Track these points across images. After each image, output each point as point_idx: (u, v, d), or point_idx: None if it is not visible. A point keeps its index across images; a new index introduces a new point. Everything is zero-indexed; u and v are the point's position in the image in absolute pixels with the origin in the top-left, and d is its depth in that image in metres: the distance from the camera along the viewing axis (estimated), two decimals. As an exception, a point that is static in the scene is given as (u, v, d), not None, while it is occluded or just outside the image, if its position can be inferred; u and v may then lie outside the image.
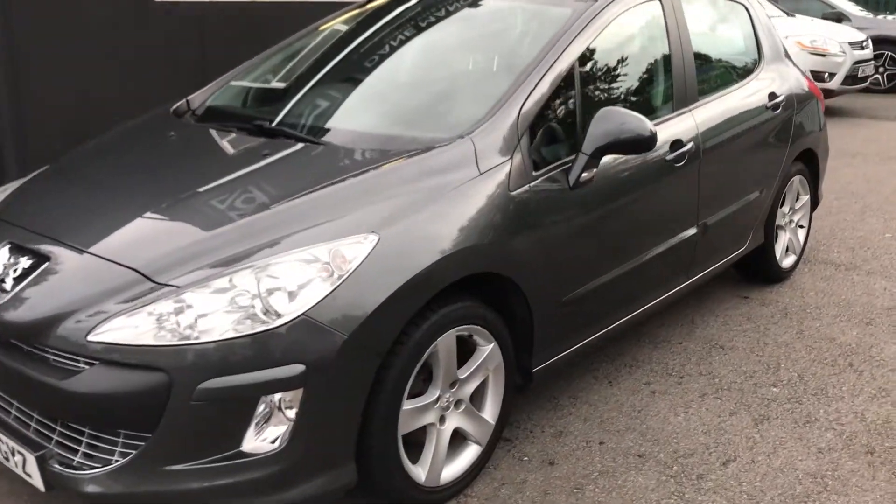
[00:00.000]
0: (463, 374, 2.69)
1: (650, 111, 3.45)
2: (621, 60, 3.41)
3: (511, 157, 2.77)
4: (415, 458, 2.61)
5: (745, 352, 3.85)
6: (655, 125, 3.02)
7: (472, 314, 2.64)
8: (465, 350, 2.72)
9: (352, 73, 3.45)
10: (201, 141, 3.14)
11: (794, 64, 4.66)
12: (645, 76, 3.52)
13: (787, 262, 4.73)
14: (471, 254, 2.56)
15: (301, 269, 2.27)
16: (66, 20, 5.14)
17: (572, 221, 2.95)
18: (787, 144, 4.33)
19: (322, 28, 3.85)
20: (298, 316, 2.21)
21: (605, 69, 3.32)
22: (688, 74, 3.66)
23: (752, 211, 4.18)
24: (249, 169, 2.74)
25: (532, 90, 2.91)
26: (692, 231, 3.66)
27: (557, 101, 3.03)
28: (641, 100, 3.47)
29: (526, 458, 2.98)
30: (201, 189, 2.65)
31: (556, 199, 2.89)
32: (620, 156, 3.11)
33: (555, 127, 2.95)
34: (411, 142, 2.79)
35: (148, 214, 2.56)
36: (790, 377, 3.61)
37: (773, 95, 4.23)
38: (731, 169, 3.90)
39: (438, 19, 3.60)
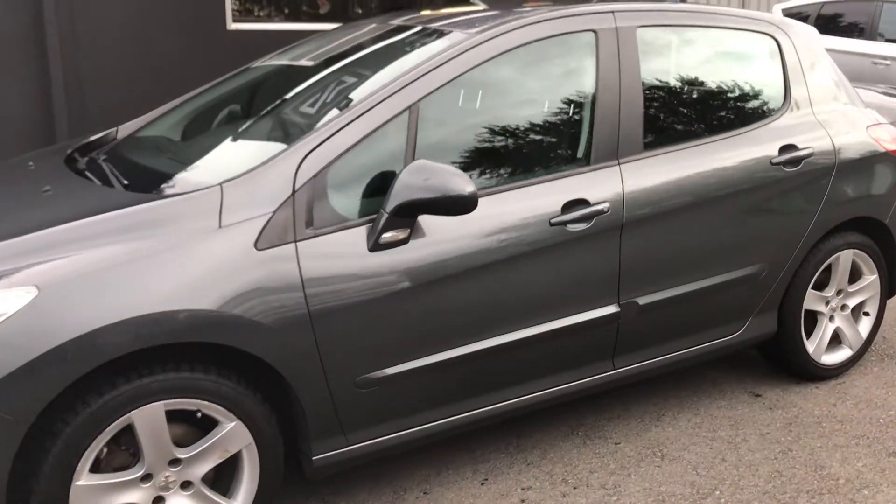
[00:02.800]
0: (186, 452, 2.38)
1: (536, 164, 2.87)
2: (502, 102, 2.87)
3: (274, 212, 2.41)
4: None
5: (686, 468, 3.07)
6: (545, 181, 2.73)
7: (191, 387, 2.32)
8: (206, 425, 2.42)
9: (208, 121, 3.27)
10: (31, 176, 3.04)
11: (866, 113, 3.68)
12: (539, 122, 2.93)
13: (833, 357, 3.74)
14: (173, 319, 2.24)
15: None
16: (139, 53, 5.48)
17: (376, 289, 2.51)
18: (815, 209, 3.41)
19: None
20: None
21: (469, 111, 2.81)
22: (625, 122, 3.00)
23: (747, 290, 3.34)
24: (12, 204, 2.65)
25: (333, 134, 2.52)
26: (609, 310, 2.99)
27: (382, 148, 2.60)
28: (520, 150, 2.88)
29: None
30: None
31: (348, 263, 2.48)
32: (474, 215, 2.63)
33: (373, 180, 2.55)
34: (179, 185, 2.54)
35: None
36: (714, 512, 2.82)
37: (790, 148, 3.35)
38: (694, 236, 3.13)
39: (337, 55, 3.29)
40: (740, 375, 3.80)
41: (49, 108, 5.31)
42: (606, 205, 2.89)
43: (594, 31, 3.01)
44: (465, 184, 2.45)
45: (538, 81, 2.95)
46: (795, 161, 3.35)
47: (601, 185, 2.92)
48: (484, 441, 3.23)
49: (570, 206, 2.83)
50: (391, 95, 2.62)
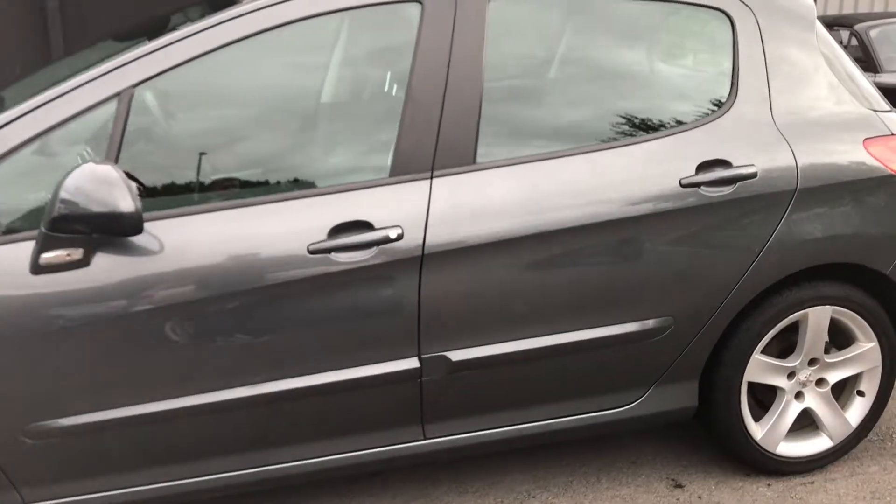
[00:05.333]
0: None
1: (306, 173, 2.25)
2: (267, 91, 2.26)
3: None
4: None
5: (504, 579, 2.34)
6: (314, 195, 2.17)
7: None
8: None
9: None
10: None
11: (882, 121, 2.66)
12: (315, 119, 2.28)
13: (801, 448, 2.78)
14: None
15: None
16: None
17: (38, 321, 2.03)
18: (757, 249, 2.48)
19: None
20: None
21: (217, 101, 2.23)
22: (450, 123, 2.28)
23: (641, 351, 2.50)
24: None
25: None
26: (404, 365, 2.30)
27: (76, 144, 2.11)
28: (283, 153, 2.26)
29: None
30: None
31: (8, 284, 2.02)
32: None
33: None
34: None
35: None
36: None
37: (716, 165, 2.45)
38: (542, 277, 2.36)
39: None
40: (675, 452, 2.93)
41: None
42: (398, 230, 2.20)
43: (420, 2, 2.30)
44: (122, 200, 1.90)
45: (324, 67, 2.31)
46: (723, 182, 2.44)
47: (396, 205, 2.23)
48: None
49: (342, 229, 2.18)
50: (96, 79, 2.11)
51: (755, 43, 2.56)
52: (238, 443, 2.27)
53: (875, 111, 2.69)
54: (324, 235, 2.17)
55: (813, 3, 2.72)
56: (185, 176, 2.22)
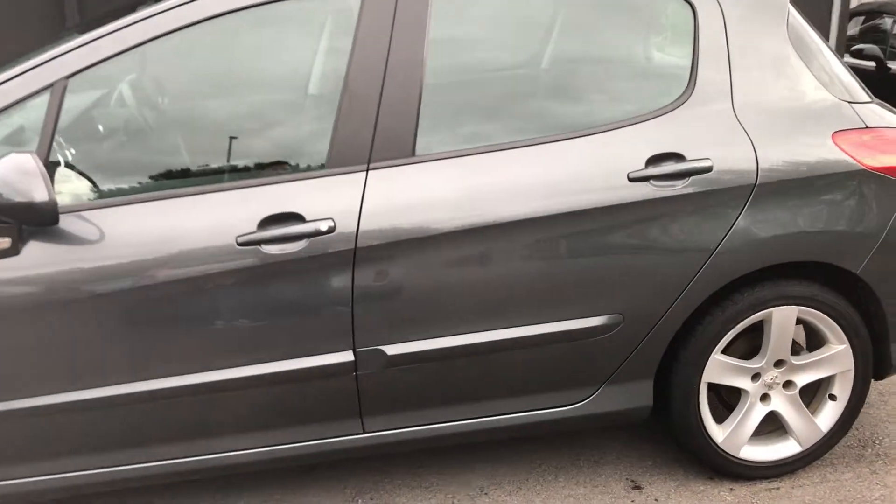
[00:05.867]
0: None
1: (238, 165, 2.25)
2: (204, 81, 2.27)
3: None
4: None
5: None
6: (246, 187, 2.17)
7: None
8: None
9: None
10: None
11: (856, 114, 2.54)
12: (248, 110, 2.28)
13: (767, 452, 2.69)
14: None
15: None
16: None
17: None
18: (712, 246, 2.39)
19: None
20: None
21: (151, 91, 2.24)
22: (389, 113, 2.25)
23: (588, 348, 2.44)
24: None
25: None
26: (338, 358, 2.29)
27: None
28: (214, 145, 2.26)
29: None
30: None
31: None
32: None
33: None
34: None
35: None
36: None
37: (670, 158, 2.37)
38: (483, 271, 2.32)
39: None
40: (640, 452, 2.86)
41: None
42: (330, 223, 2.19)
43: (362, -11, 2.28)
44: (37, 190, 1.93)
45: (261, 58, 2.30)
46: (674, 176, 2.36)
47: (329, 197, 2.21)
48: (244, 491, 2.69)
49: (273, 221, 2.18)
50: (29, 70, 2.13)
51: (718, 32, 2.46)
52: (175, 432, 2.29)
53: (851, 103, 2.56)
54: (253, 227, 2.16)
55: (787, -11, 2.60)
56: (118, 167, 2.24)
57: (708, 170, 2.37)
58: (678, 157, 2.37)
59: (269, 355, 2.25)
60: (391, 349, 2.30)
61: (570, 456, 2.85)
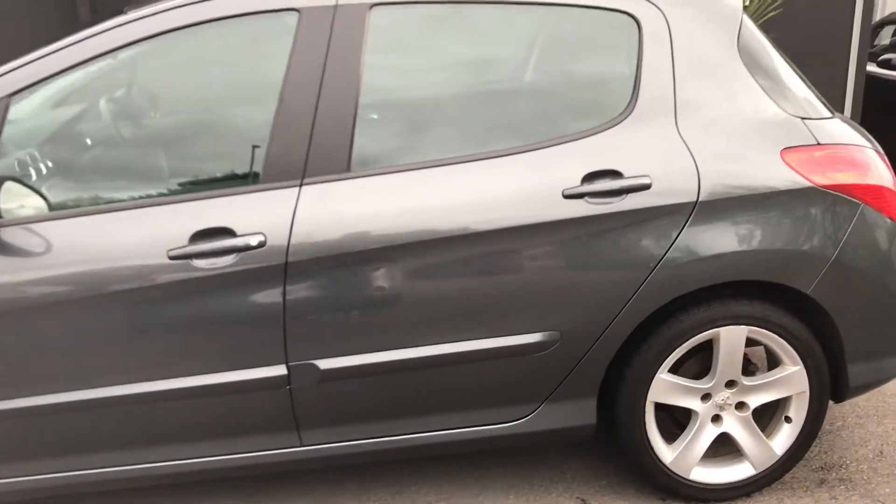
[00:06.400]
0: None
1: (173, 180, 2.30)
2: (142, 100, 2.33)
3: None
4: None
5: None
6: (179, 201, 2.23)
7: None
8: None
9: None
10: None
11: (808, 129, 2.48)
12: (190, 129, 2.35)
13: (719, 474, 2.64)
14: None
15: None
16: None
17: None
18: (652, 263, 2.37)
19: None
20: None
21: (88, 110, 2.31)
22: (323, 131, 2.28)
23: (525, 366, 2.43)
24: None
25: None
26: (272, 372, 2.32)
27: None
28: (151, 161, 2.33)
29: None
30: None
31: None
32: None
33: None
34: None
35: None
36: None
37: (606, 175, 2.35)
38: (417, 287, 2.33)
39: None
40: (597, 472, 2.83)
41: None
42: (260, 237, 2.23)
43: (297, 10, 2.32)
44: None
45: (200, 75, 2.36)
46: (610, 193, 2.34)
47: (261, 212, 2.25)
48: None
49: (204, 235, 2.23)
50: (-26, 88, 2.23)
51: (663, 47, 2.44)
52: (114, 441, 2.35)
53: (805, 119, 2.51)
54: (185, 241, 2.22)
55: (740, 3, 2.56)
56: (55, 182, 2.32)
57: (646, 187, 2.35)
58: (615, 174, 2.35)
59: (203, 367, 2.29)
60: (325, 363, 2.33)
61: (525, 474, 2.83)
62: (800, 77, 2.65)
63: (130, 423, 2.32)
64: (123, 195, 2.28)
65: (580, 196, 2.33)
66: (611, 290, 2.38)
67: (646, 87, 2.42)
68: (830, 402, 2.66)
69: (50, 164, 2.32)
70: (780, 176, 2.41)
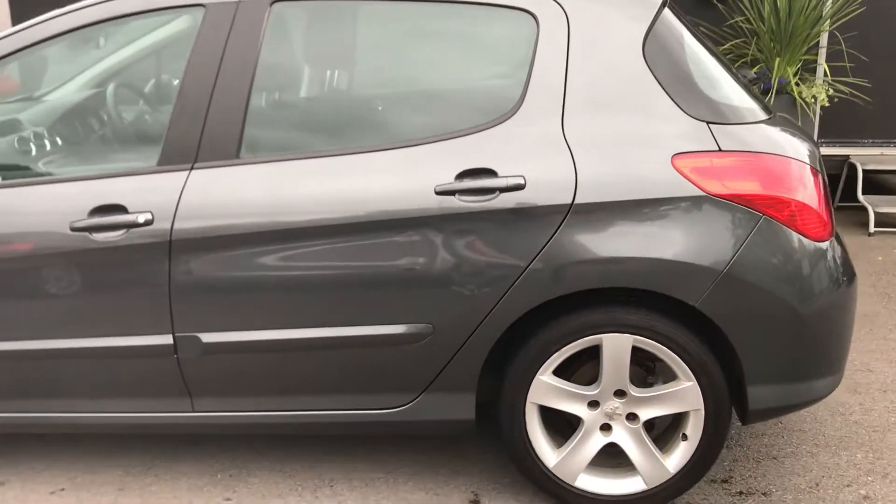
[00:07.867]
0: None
1: (77, 160, 2.53)
2: (54, 87, 2.57)
3: None
4: None
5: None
6: (82, 179, 2.46)
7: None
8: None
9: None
10: None
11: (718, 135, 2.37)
12: (90, 113, 2.56)
13: (607, 485, 2.58)
14: None
15: None
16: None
17: None
18: (523, 264, 2.35)
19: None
20: None
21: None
22: (216, 120, 2.44)
23: (400, 356, 2.48)
24: None
25: None
26: (159, 340, 2.52)
27: None
28: (56, 142, 2.55)
29: None
30: None
31: None
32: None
33: None
34: None
35: None
36: None
37: (481, 173, 2.36)
38: (293, 271, 2.44)
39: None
40: (506, 467, 2.83)
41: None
42: (147, 215, 2.43)
43: (203, 6, 2.49)
44: None
45: (111, 64, 2.58)
46: (481, 191, 2.35)
47: (152, 192, 2.45)
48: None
49: (101, 211, 2.45)
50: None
51: (559, 47, 2.41)
52: (21, 390, 2.63)
53: (714, 123, 2.39)
54: (85, 215, 2.45)
55: (657, 1, 2.47)
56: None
57: (519, 187, 2.33)
58: (490, 172, 2.36)
59: (100, 331, 2.52)
60: (206, 337, 2.50)
61: (434, 464, 2.88)
62: (734, 78, 2.52)
63: (35, 376, 2.59)
64: (39, 171, 2.55)
65: (452, 192, 2.35)
66: (482, 286, 2.39)
67: (535, 87, 2.39)
68: (800, 426, 2.54)
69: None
70: (667, 182, 2.32)
